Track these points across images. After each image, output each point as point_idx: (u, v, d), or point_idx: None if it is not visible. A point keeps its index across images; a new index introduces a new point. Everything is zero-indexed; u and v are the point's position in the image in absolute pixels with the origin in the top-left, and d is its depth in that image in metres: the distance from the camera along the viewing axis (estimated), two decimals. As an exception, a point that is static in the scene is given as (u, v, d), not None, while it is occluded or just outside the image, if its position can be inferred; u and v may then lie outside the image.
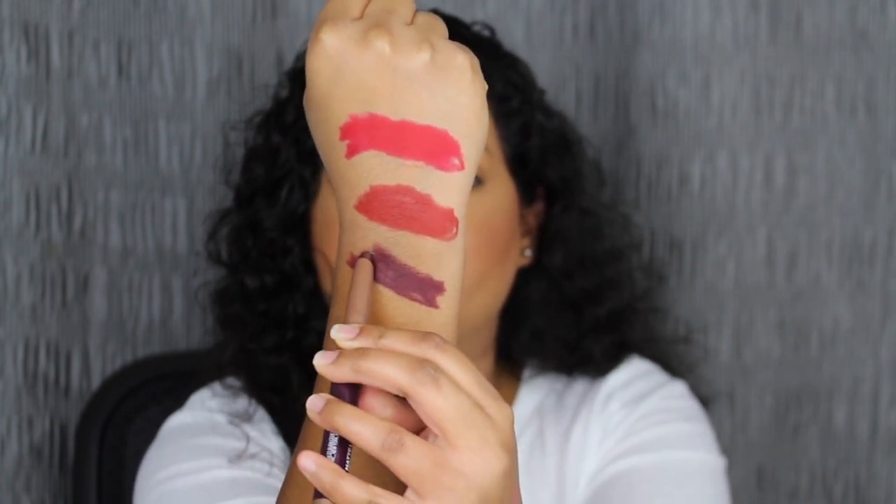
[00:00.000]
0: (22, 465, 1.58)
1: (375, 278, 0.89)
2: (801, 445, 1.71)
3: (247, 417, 1.31)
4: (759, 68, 1.66)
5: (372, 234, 0.89)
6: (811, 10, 1.66)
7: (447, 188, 0.89)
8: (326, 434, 0.83)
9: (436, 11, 1.32)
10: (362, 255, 0.89)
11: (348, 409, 0.82)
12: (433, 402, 0.82)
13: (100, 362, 1.61)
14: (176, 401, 1.36)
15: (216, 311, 1.38)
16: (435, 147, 0.88)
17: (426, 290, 0.89)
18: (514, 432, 0.85)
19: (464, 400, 0.82)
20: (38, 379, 1.59)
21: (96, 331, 1.61)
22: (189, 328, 1.64)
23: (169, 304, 1.63)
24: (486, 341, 1.36)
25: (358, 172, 0.89)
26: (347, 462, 0.83)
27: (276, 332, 1.33)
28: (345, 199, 0.90)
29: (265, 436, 1.30)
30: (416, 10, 0.90)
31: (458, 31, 1.33)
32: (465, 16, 1.43)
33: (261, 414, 1.32)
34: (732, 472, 1.45)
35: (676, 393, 1.39)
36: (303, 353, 1.32)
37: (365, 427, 0.82)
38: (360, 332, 0.84)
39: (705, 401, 1.46)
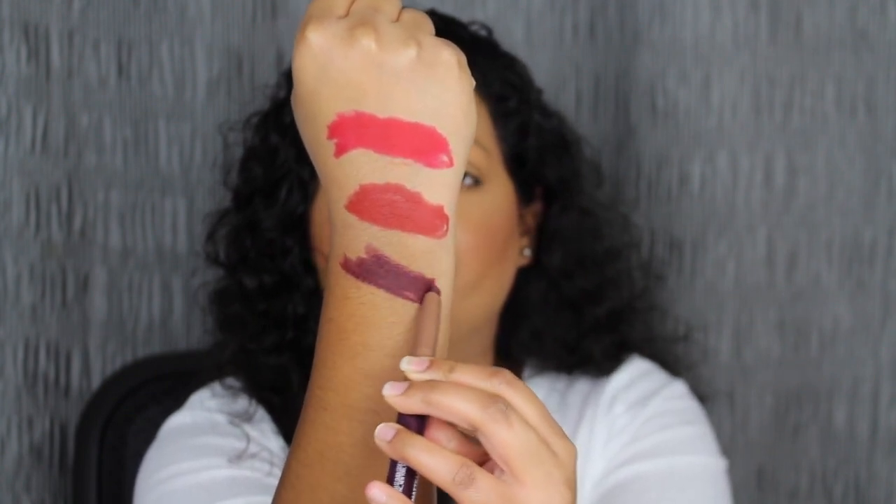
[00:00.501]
0: (22, 465, 1.58)
1: (367, 278, 0.89)
2: (801, 445, 1.71)
3: (247, 417, 1.31)
4: (759, 68, 1.66)
5: (364, 234, 0.89)
6: (811, 10, 1.66)
7: (436, 185, 0.89)
8: (393, 463, 0.83)
9: (434, 11, 1.33)
10: (430, 289, 0.89)
11: (419, 440, 0.83)
12: (503, 437, 0.82)
13: (100, 362, 1.61)
14: (176, 401, 1.36)
15: (216, 312, 1.38)
16: (423, 144, 0.88)
17: (419, 288, 0.89)
18: (575, 469, 0.86)
19: (532, 436, 0.83)
20: (38, 379, 1.59)
21: (96, 331, 1.61)
22: (189, 328, 1.64)
23: (169, 304, 1.64)
24: (486, 341, 1.36)
25: (347, 171, 0.89)
26: (413, 493, 0.84)
27: (276, 332, 1.33)
28: (335, 199, 0.90)
29: (265, 435, 1.30)
30: (402, 8, 0.90)
31: (456, 31, 1.33)
32: (465, 16, 1.44)
33: (261, 414, 1.32)
34: (732, 472, 1.45)
35: (678, 394, 1.39)
36: (303, 353, 1.32)
37: (437, 460, 0.82)
38: (431, 365, 0.84)
39: (705, 400, 1.46)
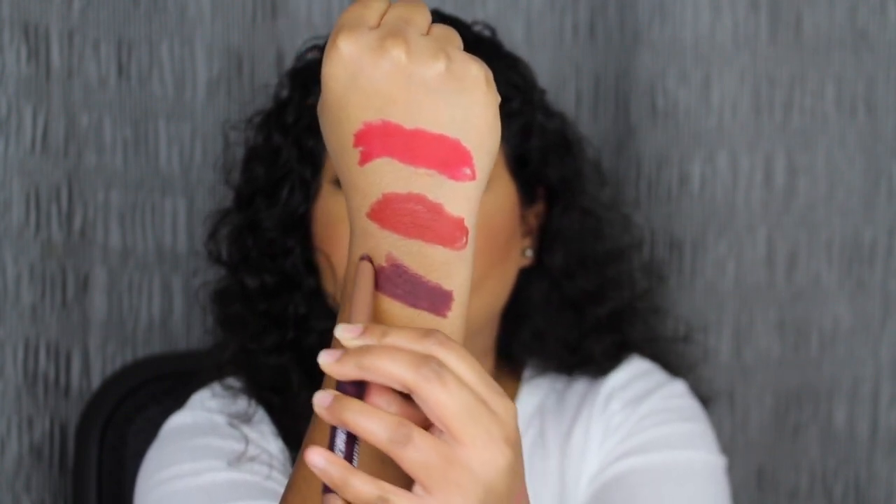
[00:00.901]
0: (22, 465, 1.58)
1: (385, 289, 0.89)
2: (801, 445, 1.71)
3: (246, 419, 1.31)
4: (759, 68, 1.66)
5: (384, 242, 0.89)
6: (811, 10, 1.66)
7: (458, 197, 0.89)
8: (334, 430, 0.84)
9: (436, 11, 1.33)
10: (362, 257, 0.90)
11: (356, 403, 0.83)
12: (438, 397, 0.82)
13: (100, 362, 1.61)
14: (176, 401, 1.36)
15: (216, 311, 1.38)
16: (447, 156, 0.88)
17: (435, 299, 0.90)
18: (517, 427, 0.86)
19: (468, 395, 0.83)
20: (38, 379, 1.59)
21: (96, 331, 1.61)
22: (189, 328, 1.64)
23: (169, 304, 1.64)
24: (488, 341, 1.36)
25: (370, 180, 0.89)
26: (355, 458, 0.84)
27: (277, 332, 1.33)
28: (357, 206, 0.90)
29: (264, 437, 1.30)
30: (433, 22, 0.91)
31: (459, 32, 1.32)
32: (465, 16, 1.43)
33: (260, 415, 1.32)
34: (732, 472, 1.45)
35: (677, 392, 1.39)
36: (303, 354, 1.32)
37: (373, 421, 0.82)
38: (364, 331, 0.85)
39: (705, 400, 1.46)
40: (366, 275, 0.89)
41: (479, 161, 0.89)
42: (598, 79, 1.68)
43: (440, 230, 0.89)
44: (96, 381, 1.60)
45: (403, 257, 0.89)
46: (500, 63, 1.32)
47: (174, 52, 1.61)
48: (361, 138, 0.89)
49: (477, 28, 1.36)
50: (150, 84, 1.61)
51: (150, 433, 1.36)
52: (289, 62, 1.49)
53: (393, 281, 0.89)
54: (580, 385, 1.40)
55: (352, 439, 0.84)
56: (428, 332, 0.84)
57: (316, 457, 0.82)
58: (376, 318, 0.90)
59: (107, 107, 1.60)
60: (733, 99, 1.66)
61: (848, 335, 1.70)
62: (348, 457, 0.83)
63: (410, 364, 0.83)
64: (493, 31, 1.38)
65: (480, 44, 1.33)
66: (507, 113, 1.30)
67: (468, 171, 0.89)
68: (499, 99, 0.90)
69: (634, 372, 1.40)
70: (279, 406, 1.32)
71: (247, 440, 1.28)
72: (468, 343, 1.29)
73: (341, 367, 0.84)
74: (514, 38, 1.63)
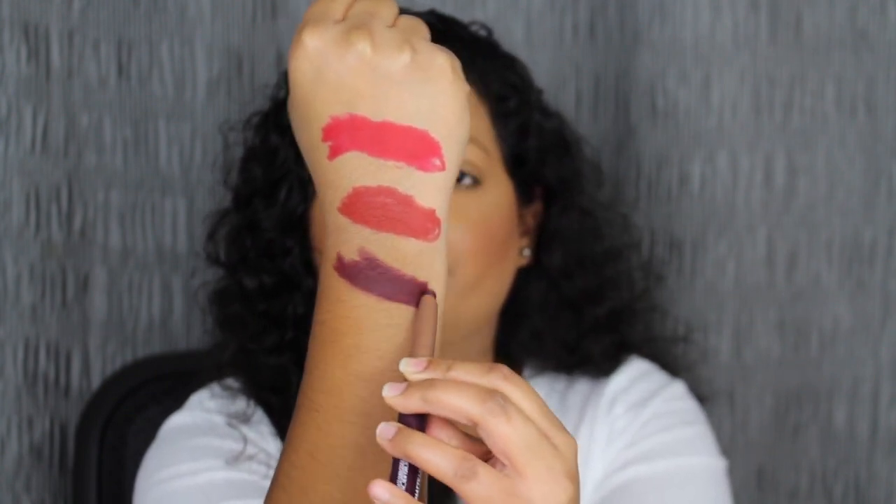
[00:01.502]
0: (22, 465, 1.58)
1: (360, 283, 0.89)
2: (801, 445, 1.71)
3: (245, 419, 1.31)
4: (759, 68, 1.66)
5: (356, 236, 0.89)
6: (811, 10, 1.66)
7: (429, 189, 0.89)
8: (396, 462, 0.84)
9: (434, 12, 1.33)
10: (424, 291, 0.90)
11: (421, 437, 0.83)
12: (503, 431, 0.83)
13: (100, 362, 1.61)
14: (176, 401, 1.36)
15: (215, 312, 1.38)
16: (416, 147, 0.89)
17: (410, 291, 0.90)
18: (576, 462, 0.86)
19: (531, 430, 0.84)
20: (38, 379, 1.59)
21: (96, 331, 1.61)
22: (189, 328, 1.64)
23: (169, 304, 1.64)
24: (486, 341, 1.36)
25: (340, 174, 0.89)
26: (416, 491, 0.84)
27: (276, 333, 1.33)
28: (329, 201, 0.90)
29: (263, 437, 1.30)
30: (399, 13, 0.91)
31: (456, 32, 1.33)
32: (465, 16, 1.43)
33: (259, 415, 1.32)
34: (732, 472, 1.45)
35: (678, 394, 1.39)
36: (302, 354, 1.32)
37: (438, 455, 0.83)
38: (429, 365, 0.85)
39: (705, 400, 1.46)
40: (429, 308, 0.89)
41: (449, 151, 0.89)
42: (598, 79, 1.68)
43: (412, 222, 0.89)
44: (96, 381, 1.60)
45: (377, 251, 0.89)
46: (496, 63, 1.32)
47: (174, 52, 1.61)
48: (329, 132, 0.89)
49: (474, 28, 1.36)
50: (150, 84, 1.61)
51: (150, 433, 1.36)
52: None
53: (367, 275, 0.90)
54: (582, 386, 1.40)
55: (414, 472, 0.84)
56: (493, 367, 0.85)
57: (380, 490, 0.82)
58: (353, 311, 0.90)
59: (107, 107, 1.60)
60: (733, 99, 1.66)
61: (848, 335, 1.70)
62: (410, 489, 0.84)
63: (476, 398, 0.83)
64: (489, 31, 1.38)
65: (478, 44, 1.33)
66: (504, 112, 1.30)
67: (437, 162, 0.89)
68: (467, 88, 0.90)
69: (635, 373, 1.40)
70: (278, 406, 1.32)
71: (245, 440, 1.28)
72: (466, 343, 1.31)
73: (406, 400, 0.84)
74: (513, 38, 1.63)
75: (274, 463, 1.28)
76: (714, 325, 1.69)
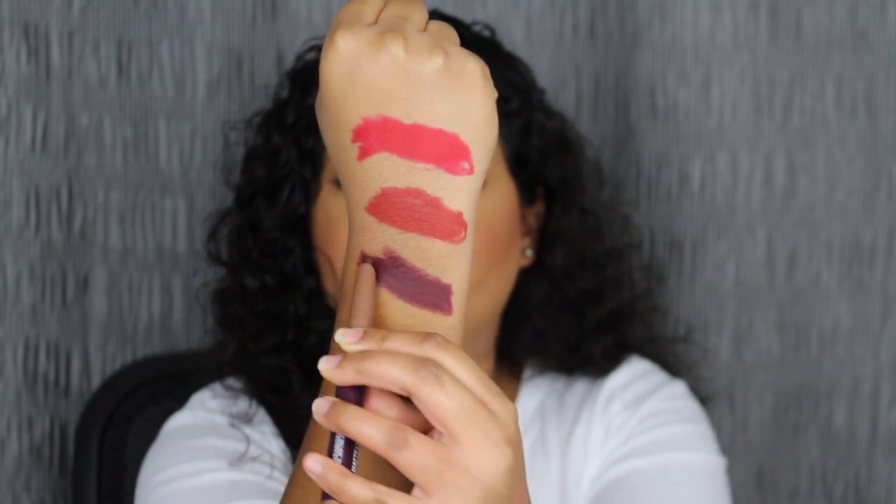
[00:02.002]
0: (22, 465, 1.58)
1: (384, 282, 0.90)
2: (801, 445, 1.71)
3: (247, 419, 1.31)
4: (759, 68, 1.66)
5: (381, 236, 0.90)
6: (811, 10, 1.66)
7: (457, 192, 0.90)
8: (333, 436, 0.84)
9: (436, 11, 1.33)
10: (364, 260, 0.90)
11: (353, 409, 0.83)
12: (437, 399, 0.83)
13: (100, 362, 1.61)
14: (176, 401, 1.36)
15: (216, 312, 1.38)
16: (445, 151, 0.89)
17: (434, 293, 0.90)
18: (518, 428, 0.86)
19: (467, 397, 0.84)
20: (38, 379, 1.59)
21: (96, 331, 1.61)
22: (189, 328, 1.64)
23: (169, 304, 1.64)
24: (488, 342, 1.36)
25: (369, 175, 0.90)
26: (354, 463, 0.84)
27: (277, 333, 1.33)
28: (355, 200, 0.91)
29: (265, 437, 1.30)
30: (429, 18, 0.91)
31: (459, 32, 1.32)
32: (465, 16, 1.43)
33: (261, 415, 1.32)
34: (732, 472, 1.45)
35: (677, 393, 1.39)
36: (303, 354, 1.32)
37: (370, 426, 0.83)
38: (364, 336, 0.85)
39: (705, 400, 1.46)
40: (367, 277, 0.89)
41: (478, 155, 0.90)
42: (598, 79, 1.68)
43: (438, 224, 0.90)
44: (96, 381, 1.60)
45: (401, 250, 0.90)
46: (499, 63, 1.32)
47: (174, 52, 1.61)
48: (360, 134, 0.90)
49: (476, 28, 1.36)
50: (150, 84, 1.61)
51: (150, 433, 1.36)
52: (289, 62, 1.49)
53: (391, 273, 0.90)
54: (580, 385, 1.40)
55: (350, 445, 0.84)
56: (427, 336, 0.85)
57: (313, 462, 0.83)
58: (376, 310, 0.90)
59: (107, 107, 1.60)
60: (733, 99, 1.66)
61: (848, 335, 1.70)
62: (347, 462, 0.84)
63: (408, 367, 0.83)
64: (492, 31, 1.38)
65: (480, 44, 1.33)
66: (507, 113, 1.30)
67: (466, 166, 0.90)
68: (496, 94, 0.91)
69: (635, 372, 1.40)
70: (280, 406, 1.32)
71: (248, 440, 1.28)
72: (469, 343, 1.30)
73: (341, 372, 0.84)
74: (514, 38, 1.63)
75: (277, 463, 1.28)
76: (714, 325, 1.69)
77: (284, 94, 1.35)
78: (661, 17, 1.65)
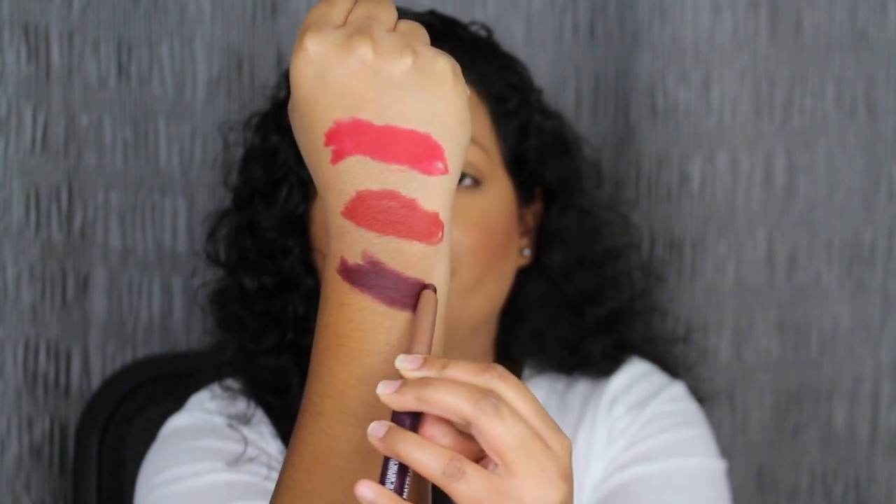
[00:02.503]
0: (22, 465, 1.58)
1: (364, 287, 0.90)
2: (801, 445, 1.71)
3: (245, 420, 1.31)
4: (759, 68, 1.66)
5: (360, 240, 0.90)
6: (811, 10, 1.66)
7: (432, 192, 0.90)
8: (386, 461, 0.84)
9: (434, 12, 1.33)
10: (426, 286, 0.90)
11: (410, 436, 0.83)
12: (495, 431, 0.83)
13: (100, 362, 1.61)
14: (176, 401, 1.36)
15: (215, 312, 1.38)
16: (419, 151, 0.89)
17: (414, 294, 0.90)
18: (570, 462, 0.86)
19: (524, 429, 0.84)
20: (38, 379, 1.59)
21: (96, 331, 1.61)
22: (189, 328, 1.64)
23: (169, 304, 1.64)
24: (486, 341, 1.36)
25: (343, 178, 0.89)
26: (405, 490, 0.84)
27: (276, 333, 1.33)
28: (331, 205, 0.91)
29: (263, 438, 1.30)
30: (398, 18, 0.91)
31: (456, 32, 1.33)
32: (465, 16, 1.43)
33: (259, 416, 1.32)
34: (732, 472, 1.45)
35: (677, 395, 1.39)
36: (302, 354, 1.32)
37: (427, 454, 0.83)
38: (424, 363, 0.85)
39: (704, 401, 1.46)
40: (429, 304, 0.89)
41: (451, 154, 0.90)
42: (598, 79, 1.68)
43: (415, 226, 0.90)
44: (96, 381, 1.60)
45: (380, 254, 0.90)
46: (496, 63, 1.32)
47: (174, 52, 1.61)
48: (332, 137, 0.89)
49: (474, 28, 1.36)
50: (150, 84, 1.61)
51: (150, 433, 1.36)
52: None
53: (371, 278, 0.90)
54: (581, 387, 1.40)
55: (403, 471, 0.84)
56: (488, 367, 0.85)
57: (365, 490, 0.82)
58: (357, 314, 0.90)
59: (107, 107, 1.60)
60: (733, 99, 1.66)
61: (848, 335, 1.70)
62: (399, 489, 0.84)
63: (469, 397, 0.83)
64: (489, 31, 1.38)
65: (477, 44, 1.33)
66: (504, 113, 1.30)
67: (440, 166, 0.90)
68: (468, 92, 0.90)
69: (635, 374, 1.40)
70: (278, 407, 1.32)
71: (246, 441, 1.28)
72: (467, 343, 1.31)
73: (400, 398, 0.84)
74: (514, 38, 1.63)
75: (275, 464, 1.28)
76: (714, 325, 1.69)
77: (282, 94, 1.35)
78: (661, 17, 1.65)
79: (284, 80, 1.36)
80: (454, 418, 0.84)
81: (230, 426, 1.30)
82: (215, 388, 1.34)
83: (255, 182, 1.33)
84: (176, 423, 1.32)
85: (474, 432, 0.84)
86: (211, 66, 1.62)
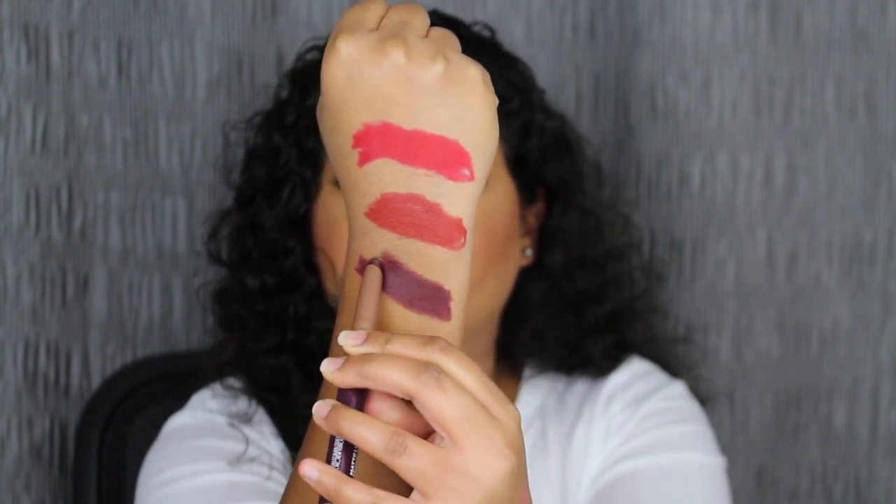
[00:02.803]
0: (22, 465, 1.58)
1: (383, 287, 0.90)
2: (801, 445, 1.71)
3: (246, 419, 1.31)
4: (759, 68, 1.66)
5: (381, 241, 0.90)
6: (811, 10, 1.66)
7: (457, 198, 0.90)
8: (332, 439, 0.84)
9: (435, 12, 1.33)
10: (370, 261, 0.90)
11: (353, 413, 0.84)
12: (438, 403, 0.83)
13: (100, 362, 1.61)
14: (176, 401, 1.36)
15: (216, 311, 1.38)
16: (446, 157, 0.89)
17: (433, 298, 0.90)
18: (520, 432, 0.86)
19: (468, 401, 0.84)
20: (38, 379, 1.59)
21: (96, 331, 1.61)
22: (189, 328, 1.64)
23: (169, 304, 1.63)
24: (488, 342, 1.36)
25: (369, 180, 0.90)
26: (353, 467, 0.84)
27: (277, 333, 1.33)
28: (355, 206, 0.91)
29: (265, 438, 1.30)
30: (431, 23, 0.91)
31: (459, 32, 1.32)
32: (465, 16, 1.43)
33: (260, 415, 1.32)
34: (732, 472, 1.45)
35: (676, 393, 1.39)
36: (304, 354, 1.32)
37: (368, 431, 0.83)
38: (367, 339, 0.85)
39: (705, 400, 1.46)
40: (373, 279, 0.89)
41: (478, 162, 0.90)
42: (598, 79, 1.68)
43: (438, 230, 0.90)
44: (96, 381, 1.60)
45: (400, 255, 0.90)
46: (499, 63, 1.32)
47: (174, 52, 1.61)
48: (361, 139, 0.90)
49: (476, 28, 1.36)
50: (150, 84, 1.61)
51: (150, 433, 1.36)
52: (289, 62, 1.49)
53: (389, 277, 0.90)
54: (581, 385, 1.40)
55: (349, 449, 0.84)
56: (430, 339, 0.85)
57: (308, 468, 0.83)
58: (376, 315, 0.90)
59: (107, 107, 1.60)
60: (733, 99, 1.66)
61: (848, 335, 1.70)
62: (346, 466, 0.84)
63: (411, 371, 0.83)
64: (492, 31, 1.38)
65: (480, 44, 1.33)
66: (507, 113, 1.30)
67: (467, 172, 0.90)
68: (496, 101, 0.91)
69: (635, 372, 1.40)
70: (279, 406, 1.32)
71: (247, 441, 1.28)
72: (468, 343, 1.30)
73: (343, 375, 0.84)
74: (514, 38, 1.63)
75: (276, 464, 1.28)
76: (714, 325, 1.69)
77: (284, 94, 1.35)
78: (661, 17, 1.65)
79: (286, 80, 1.36)
80: (397, 393, 0.84)
81: (231, 425, 1.30)
82: (216, 387, 1.34)
83: (258, 181, 1.33)
84: (177, 421, 1.32)
85: (418, 406, 0.84)
86: (211, 66, 1.62)
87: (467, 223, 0.91)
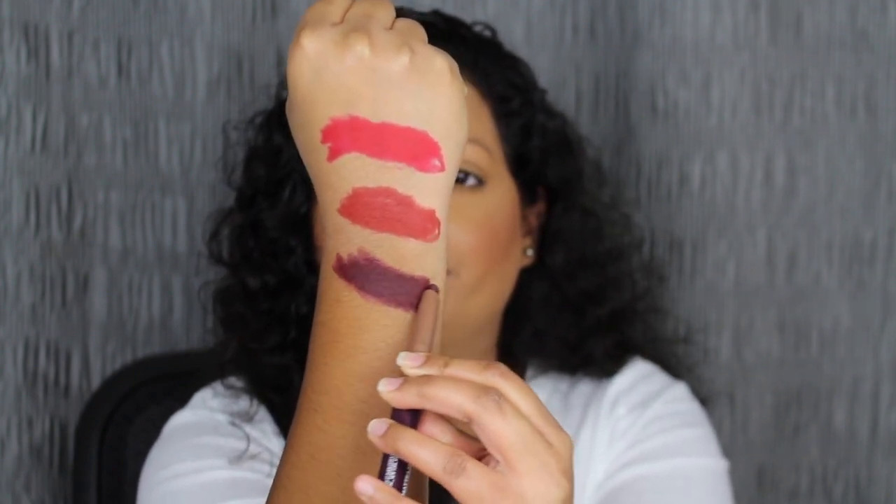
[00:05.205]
0: (22, 465, 1.58)
1: (360, 285, 0.90)
2: (801, 445, 1.71)
3: (248, 418, 1.31)
4: (759, 68, 1.66)
5: (356, 237, 0.90)
6: (811, 10, 1.66)
7: (428, 189, 0.90)
8: (385, 457, 0.84)
9: (438, 12, 1.33)
10: (429, 286, 0.90)
11: (411, 433, 0.84)
12: (496, 427, 0.83)
13: (100, 362, 1.61)
14: (176, 401, 1.36)
15: (218, 311, 1.38)
16: (415, 148, 0.89)
17: (410, 292, 0.90)
18: (572, 460, 0.86)
19: (526, 426, 0.84)
20: (38, 379, 1.59)
21: (96, 331, 1.61)
22: (189, 328, 1.64)
23: (169, 304, 1.64)
24: (489, 341, 1.36)
25: (340, 175, 0.90)
26: (405, 487, 0.84)
27: (278, 332, 1.33)
28: (328, 202, 0.91)
29: (266, 436, 1.30)
30: (395, 16, 0.91)
31: (460, 32, 1.33)
32: (466, 16, 1.43)
33: (262, 414, 1.32)
34: (732, 472, 1.45)
35: (679, 396, 1.39)
36: (305, 353, 1.32)
37: (427, 451, 0.83)
38: (426, 360, 0.85)
39: (705, 401, 1.46)
40: (430, 302, 0.89)
41: (448, 152, 0.90)
42: (598, 79, 1.68)
43: (411, 223, 0.90)
44: (96, 381, 1.60)
45: (376, 251, 0.90)
46: (500, 63, 1.33)
47: (174, 52, 1.61)
48: (329, 134, 0.90)
49: (477, 28, 1.37)
50: (150, 84, 1.61)
51: (150, 433, 1.36)
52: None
53: (366, 275, 0.90)
54: (584, 387, 1.40)
55: (402, 467, 0.84)
56: (489, 364, 0.85)
57: (364, 485, 0.82)
58: (353, 312, 0.90)
59: (107, 107, 1.60)
60: (733, 99, 1.66)
61: (848, 335, 1.70)
62: (398, 485, 0.84)
63: (471, 394, 0.83)
64: (493, 31, 1.38)
65: (481, 44, 1.33)
66: (507, 112, 1.30)
67: (437, 163, 0.90)
68: (465, 90, 0.91)
69: (638, 374, 1.40)
70: (281, 405, 1.32)
71: (248, 439, 1.28)
72: (470, 342, 1.31)
73: (402, 395, 0.84)
74: (514, 38, 1.63)
75: (277, 462, 1.27)
76: (714, 325, 1.69)
77: (286, 93, 1.35)
78: (661, 17, 1.65)
79: (286, 79, 1.36)
80: (456, 415, 0.84)
81: (233, 424, 1.30)
82: (218, 385, 1.34)
83: (259, 181, 1.33)
84: (179, 420, 1.32)
85: (476, 429, 0.84)
86: (211, 66, 1.62)
87: (440, 214, 0.90)
